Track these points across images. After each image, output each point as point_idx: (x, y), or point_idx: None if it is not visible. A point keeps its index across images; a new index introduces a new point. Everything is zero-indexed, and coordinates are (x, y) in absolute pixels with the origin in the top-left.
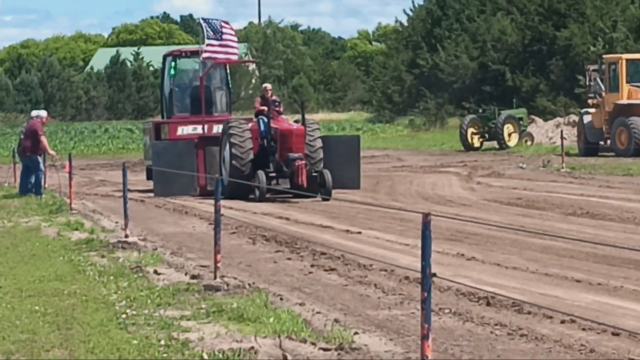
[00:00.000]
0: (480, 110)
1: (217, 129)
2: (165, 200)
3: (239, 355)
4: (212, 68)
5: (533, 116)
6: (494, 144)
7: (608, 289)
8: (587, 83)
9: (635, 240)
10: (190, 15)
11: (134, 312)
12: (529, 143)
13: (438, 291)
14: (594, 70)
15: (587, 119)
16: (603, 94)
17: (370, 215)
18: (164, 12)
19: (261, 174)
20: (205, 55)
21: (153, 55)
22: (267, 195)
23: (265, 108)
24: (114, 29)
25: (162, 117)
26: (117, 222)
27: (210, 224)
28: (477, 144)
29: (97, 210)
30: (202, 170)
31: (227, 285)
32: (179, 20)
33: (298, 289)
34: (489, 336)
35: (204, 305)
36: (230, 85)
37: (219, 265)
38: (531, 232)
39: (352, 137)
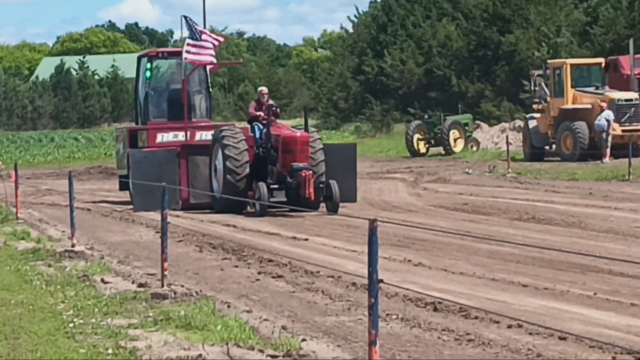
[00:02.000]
0: (426, 116)
1: (200, 136)
2: (112, 209)
3: None
4: (185, 70)
5: (478, 122)
6: (440, 149)
7: (554, 293)
8: (532, 88)
9: (581, 245)
10: (136, 24)
11: (82, 321)
12: (474, 148)
13: (385, 297)
14: (538, 76)
15: (532, 124)
16: (548, 99)
17: (317, 222)
18: (109, 21)
19: (262, 186)
20: (188, 56)
21: (98, 63)
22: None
23: (261, 113)
24: (58, 37)
25: (136, 123)
26: (63, 231)
27: (157, 232)
28: (423, 149)
29: (43, 220)
30: (184, 182)
31: (175, 293)
32: (123, 28)
33: (245, 296)
34: (436, 341)
35: (151, 314)
36: (210, 89)
37: (166, 273)
38: (478, 237)
39: (349, 146)
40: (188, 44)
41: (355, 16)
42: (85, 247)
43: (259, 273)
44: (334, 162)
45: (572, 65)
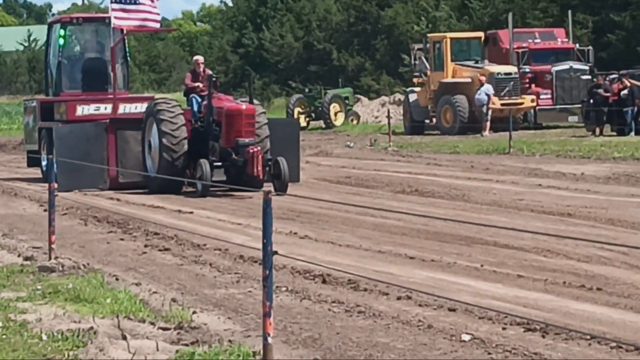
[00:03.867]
0: (307, 90)
1: (124, 109)
2: None
3: (78, 336)
4: (108, 38)
5: (358, 95)
6: (321, 123)
7: (441, 265)
8: (413, 62)
9: (465, 217)
10: None
11: None
12: (355, 122)
13: (274, 270)
14: (419, 49)
15: (412, 97)
16: (428, 72)
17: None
18: None
19: (205, 164)
20: (116, 22)
21: None
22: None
23: (199, 84)
24: None
25: (47, 95)
26: None
27: (40, 205)
28: (303, 123)
29: None
30: (113, 159)
31: (62, 266)
32: (1, 2)
33: (133, 269)
34: (327, 313)
35: (39, 287)
36: (128, 58)
37: (53, 246)
38: (362, 207)
39: (291, 121)
40: (114, 9)
41: None
42: None
43: (146, 246)
44: (275, 138)
45: (452, 39)
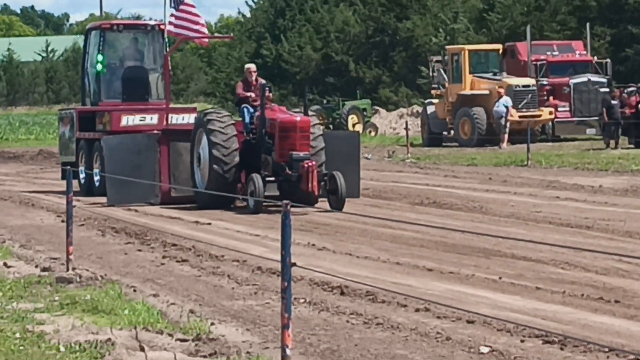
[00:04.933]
0: (325, 101)
1: (170, 119)
2: (10, 193)
3: (95, 347)
4: (149, 45)
5: (376, 107)
6: None
7: (460, 277)
8: (431, 74)
9: (483, 229)
10: (32, 7)
11: None
12: (373, 134)
13: (292, 281)
14: (437, 61)
15: (430, 109)
16: (446, 84)
17: None
18: (5, 4)
19: (257, 178)
20: (171, 28)
21: None
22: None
23: (251, 94)
24: None
25: (84, 104)
26: None
27: (58, 216)
28: None
29: None
30: (165, 173)
31: (80, 277)
32: (19, 12)
33: (151, 280)
34: (345, 325)
35: (57, 298)
36: (170, 67)
37: (71, 257)
38: (380, 218)
39: (351, 134)
40: (172, 15)
41: (253, 1)
42: None
43: (164, 257)
44: (335, 152)
45: (470, 51)
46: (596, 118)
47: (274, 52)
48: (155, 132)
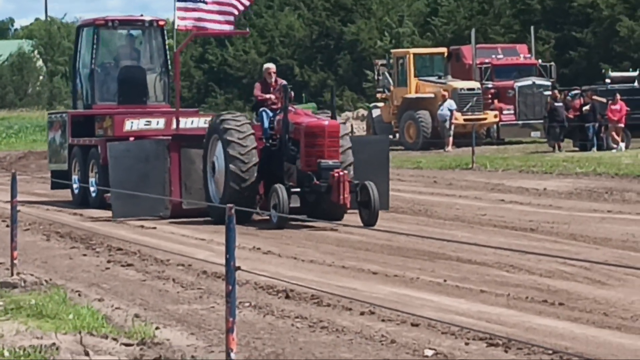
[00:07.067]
0: None
1: (182, 123)
2: None
3: (40, 352)
4: (146, 43)
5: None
6: None
7: (404, 280)
8: (376, 77)
9: (428, 232)
10: None
11: None
12: None
13: (237, 285)
14: (382, 65)
15: (376, 113)
16: (391, 88)
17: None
18: None
19: (281, 189)
20: (181, 23)
21: None
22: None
23: (271, 96)
24: None
25: (74, 107)
26: None
27: (2, 220)
28: None
29: None
30: (176, 182)
31: (24, 282)
32: None
33: (96, 285)
34: (290, 329)
35: (1, 303)
36: (169, 68)
37: (15, 262)
38: (324, 222)
39: (380, 138)
40: (180, 9)
41: None
42: None
43: (109, 262)
44: (363, 158)
45: (415, 54)
46: (541, 121)
47: (219, 56)
48: (162, 137)
